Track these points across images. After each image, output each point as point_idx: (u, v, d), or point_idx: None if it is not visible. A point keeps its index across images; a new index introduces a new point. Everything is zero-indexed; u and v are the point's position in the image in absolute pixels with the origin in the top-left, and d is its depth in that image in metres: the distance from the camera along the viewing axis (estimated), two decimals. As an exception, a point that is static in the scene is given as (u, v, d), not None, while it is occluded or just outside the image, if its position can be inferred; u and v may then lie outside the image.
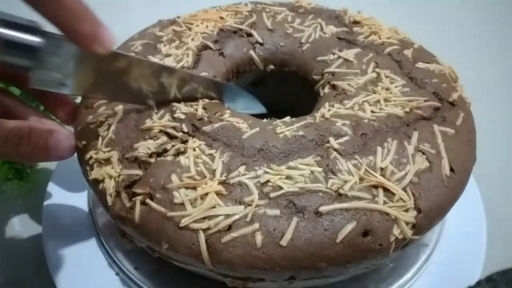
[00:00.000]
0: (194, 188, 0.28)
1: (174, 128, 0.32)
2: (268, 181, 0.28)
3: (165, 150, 0.31)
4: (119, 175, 0.31)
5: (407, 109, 0.33)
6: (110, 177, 0.31)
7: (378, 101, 0.34)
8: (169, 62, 0.38)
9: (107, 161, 0.32)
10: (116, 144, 0.32)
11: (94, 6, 0.28)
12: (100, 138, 0.33)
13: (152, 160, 0.31)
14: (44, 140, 0.31)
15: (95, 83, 0.32)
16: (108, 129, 0.33)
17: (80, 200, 0.41)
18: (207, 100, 0.35)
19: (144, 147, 0.31)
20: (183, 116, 0.33)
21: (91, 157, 0.32)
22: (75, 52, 0.29)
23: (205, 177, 0.29)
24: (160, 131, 0.32)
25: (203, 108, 0.34)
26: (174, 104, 0.34)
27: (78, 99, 0.38)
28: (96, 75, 0.31)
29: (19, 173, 0.46)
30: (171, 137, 0.32)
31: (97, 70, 0.31)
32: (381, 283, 0.35)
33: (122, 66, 0.32)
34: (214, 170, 0.29)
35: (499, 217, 0.42)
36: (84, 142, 0.33)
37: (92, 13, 0.28)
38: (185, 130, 0.32)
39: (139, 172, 0.31)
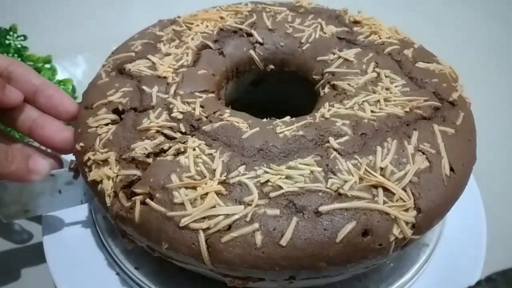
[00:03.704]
0: (194, 188, 0.28)
1: (171, 128, 0.32)
2: (268, 181, 0.28)
3: (162, 150, 0.31)
4: (117, 176, 0.31)
5: (407, 109, 0.33)
6: (108, 178, 0.31)
7: (378, 101, 0.34)
8: (168, 61, 0.38)
9: (105, 162, 0.31)
10: (114, 145, 0.32)
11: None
12: (98, 139, 0.33)
13: (150, 160, 0.31)
14: (25, 161, 0.32)
15: (52, 200, 0.35)
16: (107, 130, 0.33)
17: (80, 200, 0.41)
18: (204, 96, 0.35)
19: (141, 148, 0.31)
20: (180, 116, 0.33)
21: (89, 159, 0.32)
22: (20, 186, 0.32)
23: (205, 177, 0.29)
24: (157, 131, 0.32)
25: (201, 106, 0.34)
26: (171, 101, 0.34)
27: (79, 99, 0.38)
28: (49, 194, 0.35)
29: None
30: (169, 137, 0.32)
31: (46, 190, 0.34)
32: (381, 283, 0.35)
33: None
34: (214, 170, 0.29)
35: (499, 217, 0.42)
36: (82, 144, 0.33)
37: (19, 148, 0.31)
38: (183, 130, 0.32)
39: (136, 172, 0.30)
